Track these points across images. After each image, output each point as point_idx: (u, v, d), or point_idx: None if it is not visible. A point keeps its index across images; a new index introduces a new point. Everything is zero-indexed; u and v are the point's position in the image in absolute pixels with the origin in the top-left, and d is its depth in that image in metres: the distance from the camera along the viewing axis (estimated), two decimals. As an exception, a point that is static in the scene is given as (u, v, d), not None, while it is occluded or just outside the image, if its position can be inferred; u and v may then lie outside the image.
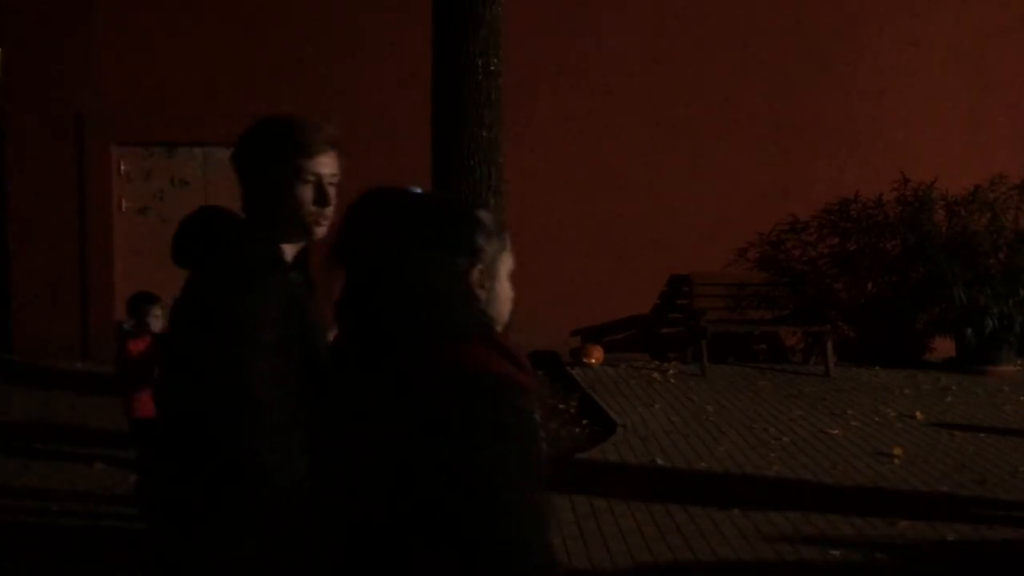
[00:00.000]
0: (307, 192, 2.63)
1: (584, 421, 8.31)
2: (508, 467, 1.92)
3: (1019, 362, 10.60)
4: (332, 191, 2.67)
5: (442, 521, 1.90)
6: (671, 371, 10.27)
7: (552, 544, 2.00)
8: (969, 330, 10.27)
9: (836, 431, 7.93)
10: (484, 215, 2.10)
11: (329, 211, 2.65)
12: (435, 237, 2.03)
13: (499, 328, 2.09)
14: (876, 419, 8.37)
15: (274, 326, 2.49)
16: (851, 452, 7.28)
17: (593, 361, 10.50)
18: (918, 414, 8.52)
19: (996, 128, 11.14)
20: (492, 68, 7.41)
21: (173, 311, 2.67)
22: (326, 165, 2.66)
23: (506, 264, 2.12)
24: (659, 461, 7.08)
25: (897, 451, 7.30)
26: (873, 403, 8.93)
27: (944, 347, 10.89)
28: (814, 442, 7.61)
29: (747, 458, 7.23)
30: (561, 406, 8.75)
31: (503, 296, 2.12)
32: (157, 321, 6.32)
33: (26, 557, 5.25)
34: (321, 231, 2.65)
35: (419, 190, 2.12)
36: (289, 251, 2.68)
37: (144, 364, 6.24)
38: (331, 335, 2.33)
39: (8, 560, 5.22)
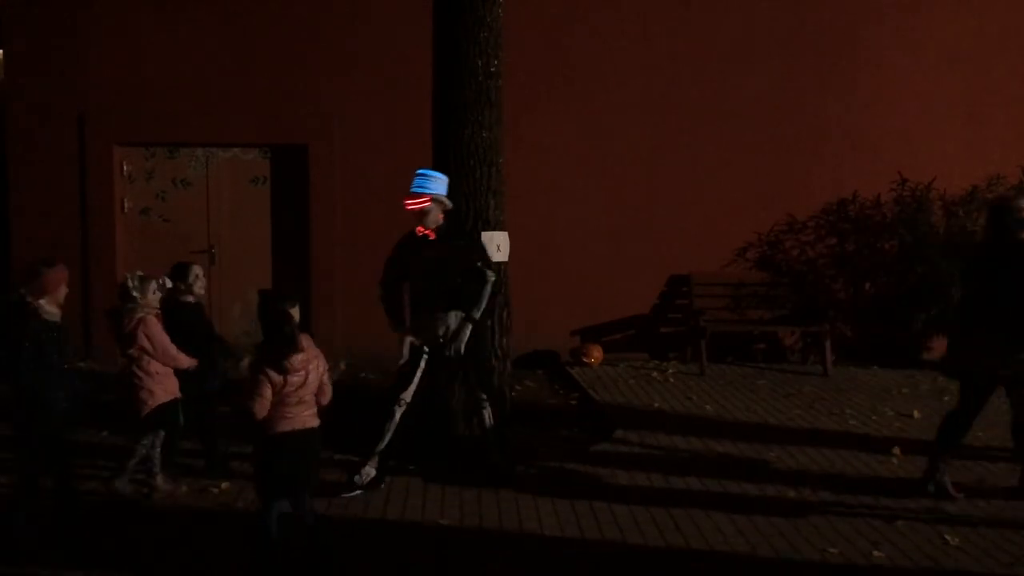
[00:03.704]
0: None
1: (584, 420, 8.35)
2: None
3: (1016, 362, 10.61)
4: None
5: None
6: (670, 370, 10.31)
7: None
8: (967, 330, 10.27)
9: (834, 430, 7.97)
10: None
11: None
12: None
13: None
14: (874, 418, 8.41)
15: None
16: (849, 451, 7.31)
17: (593, 360, 10.53)
18: (916, 413, 8.56)
19: (994, 129, 11.18)
20: (492, 69, 7.46)
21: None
22: None
23: None
24: (658, 460, 7.13)
25: (895, 450, 7.34)
26: (871, 402, 8.97)
27: (942, 347, 10.83)
28: (812, 441, 7.65)
29: (746, 457, 7.27)
30: (561, 405, 8.79)
31: None
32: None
33: (29, 556, 5.30)
34: None
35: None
36: None
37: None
38: None
39: (10, 559, 5.25)
